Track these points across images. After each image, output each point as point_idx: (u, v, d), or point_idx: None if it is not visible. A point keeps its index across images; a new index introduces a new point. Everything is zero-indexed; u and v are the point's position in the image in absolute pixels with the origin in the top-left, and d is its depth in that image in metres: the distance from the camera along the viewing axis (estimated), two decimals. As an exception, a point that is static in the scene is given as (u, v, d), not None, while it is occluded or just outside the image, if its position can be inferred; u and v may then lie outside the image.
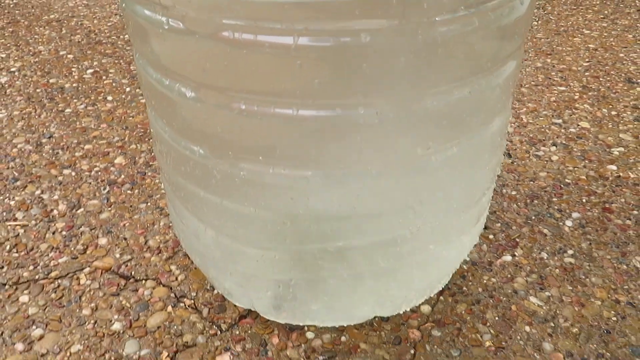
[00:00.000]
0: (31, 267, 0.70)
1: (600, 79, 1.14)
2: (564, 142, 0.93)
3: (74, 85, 1.18)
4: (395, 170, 0.44)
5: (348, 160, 0.43)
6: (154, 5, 0.42)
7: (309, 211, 0.47)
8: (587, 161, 0.88)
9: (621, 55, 1.24)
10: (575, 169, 0.86)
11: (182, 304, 0.64)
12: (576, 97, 1.08)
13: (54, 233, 0.76)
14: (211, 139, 0.45)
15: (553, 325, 0.61)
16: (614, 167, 0.86)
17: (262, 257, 0.52)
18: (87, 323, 0.62)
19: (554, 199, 0.79)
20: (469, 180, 0.51)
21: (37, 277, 0.68)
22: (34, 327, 0.62)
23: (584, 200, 0.79)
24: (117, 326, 0.62)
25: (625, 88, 1.10)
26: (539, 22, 1.45)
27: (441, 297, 0.64)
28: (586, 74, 1.17)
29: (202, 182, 0.50)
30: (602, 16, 1.47)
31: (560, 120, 1.00)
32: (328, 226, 0.48)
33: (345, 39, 0.37)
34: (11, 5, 1.66)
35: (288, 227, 0.48)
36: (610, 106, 1.04)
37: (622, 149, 0.91)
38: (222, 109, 0.43)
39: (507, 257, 0.70)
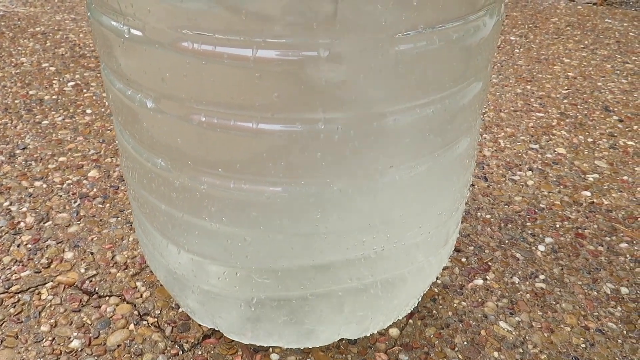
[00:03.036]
0: (-9, 281, 0.68)
1: (578, 107, 1.15)
2: (540, 167, 0.93)
3: (54, 97, 1.17)
4: (357, 188, 0.44)
5: (309, 177, 0.43)
6: (117, 15, 0.41)
7: (270, 227, 0.46)
8: (562, 187, 0.88)
9: (599, 84, 1.26)
10: (550, 194, 0.86)
11: (145, 322, 0.63)
12: (554, 123, 1.09)
13: (18, 246, 0.74)
14: (172, 151, 0.45)
15: (522, 351, 0.60)
16: (588, 194, 0.86)
17: (224, 274, 0.50)
18: (44, 340, 0.60)
19: (528, 224, 0.79)
20: (435, 201, 0.51)
21: (-4, 290, 0.66)
22: (-12, 342, 0.59)
23: (557, 226, 0.79)
24: (75, 343, 0.60)
25: (602, 116, 1.12)
26: (521, 49, 1.47)
27: (410, 320, 0.63)
28: (565, 101, 1.18)
29: (164, 195, 0.49)
30: (582, 46, 1.49)
31: (537, 146, 1.00)
32: (290, 243, 0.47)
33: (304, 52, 0.37)
34: (-3, 17, 1.66)
35: (249, 243, 0.47)
36: (587, 133, 1.05)
37: (597, 175, 0.91)
38: (182, 120, 0.42)
39: (479, 281, 0.69)
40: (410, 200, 0.48)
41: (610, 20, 1.71)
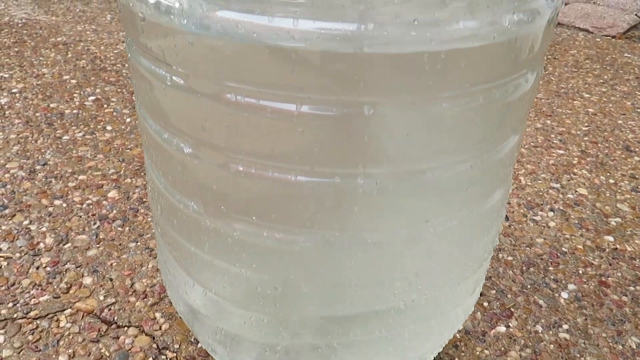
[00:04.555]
0: (10, 304, 0.67)
1: (599, 145, 1.15)
2: (561, 208, 0.92)
3: (74, 111, 1.17)
4: (392, 241, 0.43)
5: (344, 229, 0.42)
6: (158, 61, 0.41)
7: (301, 277, 0.45)
8: (584, 230, 0.87)
9: (620, 122, 1.25)
10: (572, 237, 0.85)
11: (163, 357, 0.62)
12: (575, 161, 1.08)
13: (37, 268, 0.74)
14: (206, 196, 0.44)
15: (545, 405, 0.58)
16: (611, 239, 0.85)
17: (250, 319, 0.50)
18: (61, 369, 0.59)
19: (550, 268, 0.78)
20: (467, 251, 0.50)
21: (15, 315, 0.66)
22: (5, 370, 0.59)
23: (580, 272, 0.78)
24: (92, 375, 0.59)
25: (624, 156, 1.11)
26: (540, 82, 1.47)
27: (431, 366, 0.62)
28: (585, 138, 1.17)
29: (194, 237, 0.48)
30: (601, 81, 1.49)
31: (558, 185, 0.99)
32: (320, 293, 0.46)
33: (348, 109, 0.36)
34: (19, 25, 1.68)
35: (279, 291, 0.46)
36: (608, 174, 1.04)
37: (619, 219, 0.90)
38: (219, 168, 0.42)
39: (502, 328, 0.68)
40: (444, 252, 0.47)
41: (629, 55, 1.70)
